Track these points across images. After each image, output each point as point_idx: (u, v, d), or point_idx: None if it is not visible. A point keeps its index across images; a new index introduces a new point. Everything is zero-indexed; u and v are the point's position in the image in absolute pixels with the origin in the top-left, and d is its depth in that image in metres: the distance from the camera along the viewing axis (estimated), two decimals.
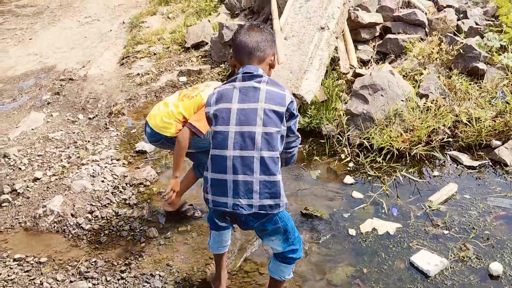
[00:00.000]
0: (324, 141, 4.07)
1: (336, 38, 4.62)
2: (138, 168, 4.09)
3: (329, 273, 2.71)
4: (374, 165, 3.71)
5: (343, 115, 4.10)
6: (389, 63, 4.90)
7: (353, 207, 3.28)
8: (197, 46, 6.48)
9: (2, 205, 3.65)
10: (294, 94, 4.08)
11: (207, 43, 6.42)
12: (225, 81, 2.15)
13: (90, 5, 10.34)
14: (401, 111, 3.87)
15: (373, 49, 5.09)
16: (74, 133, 4.83)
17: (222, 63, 5.89)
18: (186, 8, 8.25)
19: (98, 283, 2.82)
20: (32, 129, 4.97)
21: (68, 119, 5.21)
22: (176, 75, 5.91)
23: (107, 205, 3.61)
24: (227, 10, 7.13)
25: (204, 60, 6.14)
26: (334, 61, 4.73)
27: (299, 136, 2.20)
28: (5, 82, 6.52)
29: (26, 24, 9.37)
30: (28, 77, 6.67)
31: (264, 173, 1.93)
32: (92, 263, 2.99)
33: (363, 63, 4.97)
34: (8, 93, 6.13)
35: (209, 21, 6.91)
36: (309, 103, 4.13)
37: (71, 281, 2.86)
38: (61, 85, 6.18)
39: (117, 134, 4.79)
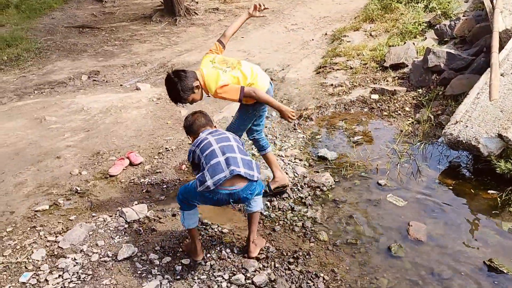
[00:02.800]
0: None
1: None
2: (317, 172, 4.25)
3: None
4: None
5: None
6: None
7: None
8: (395, 66, 6.38)
9: None
10: (500, 135, 3.73)
11: (407, 66, 6.27)
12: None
13: (298, 14, 11.05)
14: None
15: None
16: (266, 127, 5.26)
17: (419, 88, 5.69)
18: (391, 28, 8.18)
19: (267, 266, 3.05)
20: (233, 116, 5.56)
21: None
22: (369, 91, 5.93)
23: (285, 198, 3.86)
24: (436, 36, 6.85)
25: (400, 82, 6.02)
26: None
27: None
28: None
29: None
30: None
31: (242, 154, 2.88)
32: (265, 247, 3.24)
33: None
34: None
35: (413, 43, 6.73)
36: None
37: (243, 257, 3.15)
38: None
39: (303, 137, 5.06)
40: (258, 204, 3.07)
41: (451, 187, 3.86)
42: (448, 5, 7.84)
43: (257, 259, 3.11)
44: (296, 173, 4.22)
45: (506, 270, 2.87)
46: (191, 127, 3.16)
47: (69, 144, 4.99)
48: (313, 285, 2.87)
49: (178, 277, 2.97)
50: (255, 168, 2.88)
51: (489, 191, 3.72)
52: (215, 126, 3.28)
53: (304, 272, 2.99)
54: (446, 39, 6.66)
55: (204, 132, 3.07)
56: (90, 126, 5.49)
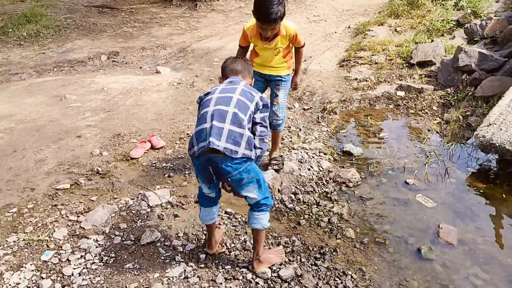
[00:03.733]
0: None
1: None
2: (343, 167, 4.16)
3: None
4: None
5: None
6: None
7: None
8: (422, 64, 6.24)
9: None
10: None
11: (434, 64, 6.13)
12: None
13: (320, 5, 10.89)
14: None
15: None
16: (289, 118, 5.16)
17: (448, 87, 5.55)
18: (417, 25, 8.01)
19: (293, 260, 2.97)
20: None
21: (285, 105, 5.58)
22: (395, 88, 5.80)
23: (310, 192, 3.77)
24: (465, 35, 6.69)
25: (427, 80, 5.88)
26: None
27: (268, 127, 2.73)
28: None
29: None
30: None
31: (234, 124, 2.47)
32: (291, 241, 3.17)
33: None
34: None
35: (441, 41, 6.57)
36: None
37: (269, 248, 3.07)
38: None
39: (327, 130, 4.95)
40: (258, 220, 2.73)
41: (481, 191, 3.75)
42: (479, 4, 7.66)
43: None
44: (321, 167, 4.12)
45: None
46: (224, 69, 2.90)
47: (90, 123, 4.92)
48: (341, 283, 2.78)
49: (202, 265, 2.90)
50: (243, 144, 2.48)
51: None
52: (252, 79, 3.00)
53: (332, 268, 2.91)
54: (476, 38, 6.50)
55: (228, 79, 2.78)
56: (110, 107, 5.42)
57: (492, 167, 4.08)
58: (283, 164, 4.02)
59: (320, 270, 2.89)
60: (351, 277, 2.84)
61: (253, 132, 2.65)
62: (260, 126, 2.67)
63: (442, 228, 3.25)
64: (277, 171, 3.96)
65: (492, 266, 2.94)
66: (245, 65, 2.93)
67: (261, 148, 2.68)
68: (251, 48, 3.73)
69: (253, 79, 3.15)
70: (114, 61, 7.59)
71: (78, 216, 3.32)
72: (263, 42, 3.48)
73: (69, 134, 4.65)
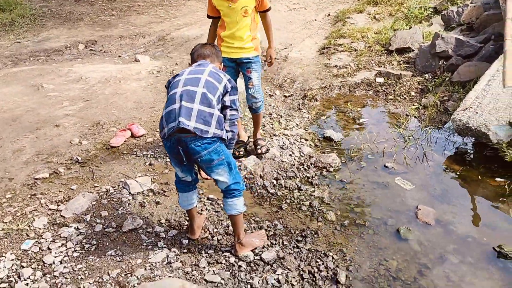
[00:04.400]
0: None
1: None
2: (324, 153, 4.20)
3: None
4: None
5: None
6: None
7: None
8: (401, 51, 6.31)
9: None
10: (510, 123, 3.71)
11: (413, 50, 6.21)
12: None
13: None
14: None
15: None
16: (270, 105, 5.17)
17: (426, 73, 5.64)
18: (396, 12, 8.08)
19: (275, 243, 3.00)
20: None
21: (266, 92, 5.59)
22: (374, 74, 5.86)
23: (291, 177, 3.80)
24: (442, 22, 6.78)
25: (405, 66, 5.96)
26: None
27: (238, 110, 2.74)
28: None
29: None
30: None
31: (203, 104, 2.48)
32: (273, 224, 3.20)
33: None
34: None
35: (419, 28, 6.65)
36: None
37: (252, 232, 3.10)
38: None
39: (308, 117, 4.99)
40: (233, 207, 2.74)
41: (458, 173, 3.84)
42: None
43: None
44: (302, 153, 4.16)
45: None
46: (193, 54, 2.95)
47: (68, 113, 4.85)
48: (322, 264, 2.83)
49: (185, 250, 2.91)
50: (213, 123, 2.49)
51: (496, 179, 3.71)
52: (221, 63, 3.07)
53: (313, 250, 2.95)
54: (453, 25, 6.59)
55: (196, 63, 2.83)
56: (89, 96, 5.34)
57: (469, 150, 4.17)
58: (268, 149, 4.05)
59: (302, 252, 2.93)
60: (332, 258, 2.88)
61: (223, 115, 2.65)
62: (230, 109, 2.69)
63: (420, 209, 3.33)
64: (265, 152, 3.99)
65: (468, 244, 3.03)
66: (214, 50, 2.99)
67: (232, 131, 2.70)
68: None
69: (222, 64, 3.18)
70: (92, 50, 7.46)
71: (58, 205, 3.29)
72: (227, 0, 3.44)
73: (47, 123, 4.57)
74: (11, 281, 2.57)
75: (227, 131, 2.67)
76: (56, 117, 4.72)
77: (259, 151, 3.99)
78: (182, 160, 2.60)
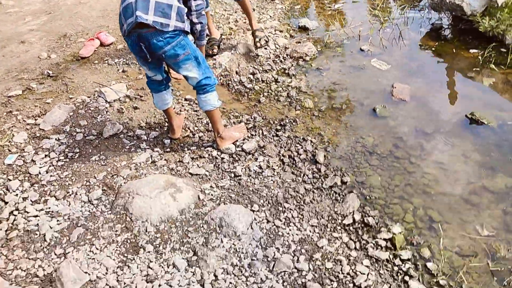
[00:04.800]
0: (505, 50, 3.62)
1: None
2: (299, 43, 4.12)
3: (486, 179, 2.59)
4: None
5: None
6: None
7: None
8: None
9: None
10: None
11: None
12: None
13: None
14: None
15: None
16: None
17: None
18: None
19: (255, 135, 3.07)
20: None
21: None
22: None
23: (267, 70, 3.77)
24: None
25: None
26: None
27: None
28: None
29: None
30: None
31: None
32: (252, 117, 3.24)
33: None
34: None
35: None
36: (499, 4, 3.64)
37: (231, 125, 3.15)
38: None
39: (282, 8, 4.81)
40: (207, 102, 2.71)
41: (433, 49, 3.83)
42: None
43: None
44: (278, 45, 4.07)
45: (486, 121, 2.96)
46: None
47: (32, 28, 4.62)
48: (301, 148, 2.92)
49: (168, 149, 2.98)
50: (173, 15, 2.36)
51: (470, 50, 3.71)
52: None
53: (292, 137, 3.03)
54: None
55: None
56: (51, 8, 5.06)
57: (444, 25, 4.11)
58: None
59: (282, 140, 3.01)
60: (311, 141, 2.97)
61: (188, 7, 2.53)
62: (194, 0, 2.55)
63: (395, 87, 3.37)
64: (264, 45, 3.93)
65: (442, 115, 3.11)
66: None
67: (200, 22, 2.61)
68: None
69: None
70: None
71: (35, 119, 3.27)
72: None
73: (12, 40, 4.38)
74: (0, 193, 2.64)
75: (195, 23, 2.58)
76: (20, 33, 4.51)
77: (258, 44, 3.89)
78: (146, 57, 2.51)
